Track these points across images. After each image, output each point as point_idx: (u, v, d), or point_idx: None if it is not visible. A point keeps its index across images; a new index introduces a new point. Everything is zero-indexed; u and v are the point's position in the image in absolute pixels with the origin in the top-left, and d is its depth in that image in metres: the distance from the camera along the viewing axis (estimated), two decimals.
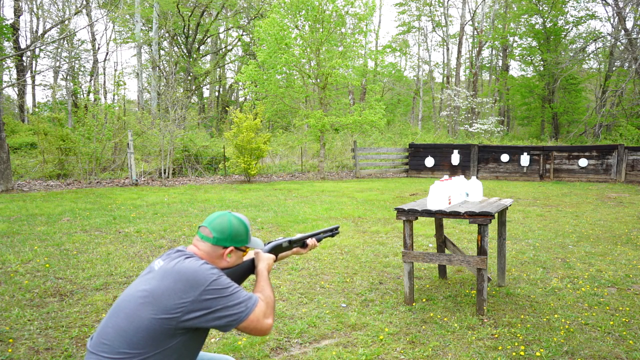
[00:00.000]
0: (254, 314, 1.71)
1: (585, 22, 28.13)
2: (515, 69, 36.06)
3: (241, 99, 34.47)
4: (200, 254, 1.85)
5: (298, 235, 2.27)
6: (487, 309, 4.08)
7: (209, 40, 32.03)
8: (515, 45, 31.21)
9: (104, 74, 31.02)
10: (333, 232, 2.43)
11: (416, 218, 4.20)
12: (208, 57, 33.17)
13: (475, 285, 4.14)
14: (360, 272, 5.31)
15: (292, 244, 2.21)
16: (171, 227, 7.73)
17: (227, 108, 21.84)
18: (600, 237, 7.26)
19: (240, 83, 27.78)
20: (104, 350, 1.64)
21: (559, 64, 26.19)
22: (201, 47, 30.96)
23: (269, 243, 2.15)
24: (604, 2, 26.29)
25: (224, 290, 1.69)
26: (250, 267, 2.01)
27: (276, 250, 2.15)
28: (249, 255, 2.10)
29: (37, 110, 24.65)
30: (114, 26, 29.35)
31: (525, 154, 17.22)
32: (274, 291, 1.89)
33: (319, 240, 2.34)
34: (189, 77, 28.42)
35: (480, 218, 3.93)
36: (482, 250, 4.00)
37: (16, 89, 22.97)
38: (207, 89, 35.00)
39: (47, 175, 15.24)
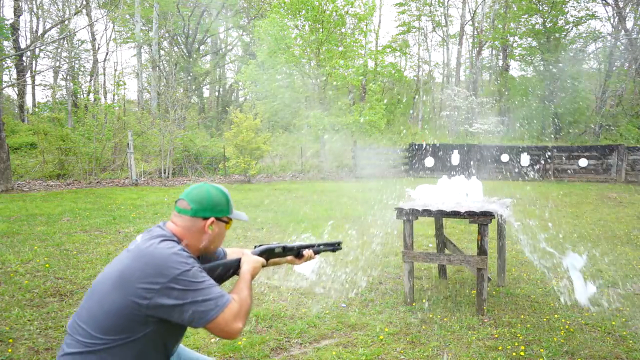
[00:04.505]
0: (223, 315, 1.55)
1: (585, 22, 28.10)
2: (515, 69, 35.98)
3: (241, 99, 34.48)
4: (179, 230, 1.71)
5: (295, 243, 2.09)
6: (487, 309, 4.08)
7: (209, 40, 32.03)
8: (515, 45, 31.19)
9: (104, 74, 30.98)
10: (335, 247, 2.21)
11: (416, 218, 4.20)
12: (208, 57, 33.16)
13: (475, 285, 4.13)
14: (360, 272, 5.31)
15: (286, 250, 2.03)
16: None
17: (227, 108, 21.85)
18: (600, 237, 7.26)
19: (240, 83, 27.78)
20: (79, 334, 1.57)
21: (559, 64, 26.18)
22: (201, 47, 30.96)
23: (260, 245, 1.99)
24: (604, 2, 26.29)
25: (194, 284, 1.54)
26: (235, 266, 1.84)
27: (267, 254, 1.96)
28: (237, 254, 1.97)
29: (37, 110, 24.65)
30: (114, 26, 29.32)
31: (525, 154, 17.22)
32: (252, 296, 1.72)
33: (316, 253, 2.13)
34: (189, 77, 28.42)
35: (480, 218, 3.93)
36: (482, 250, 4.00)
37: (16, 89, 22.96)
38: (207, 89, 34.99)
39: (47, 175, 15.24)
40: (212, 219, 1.73)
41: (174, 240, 1.66)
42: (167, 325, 1.59)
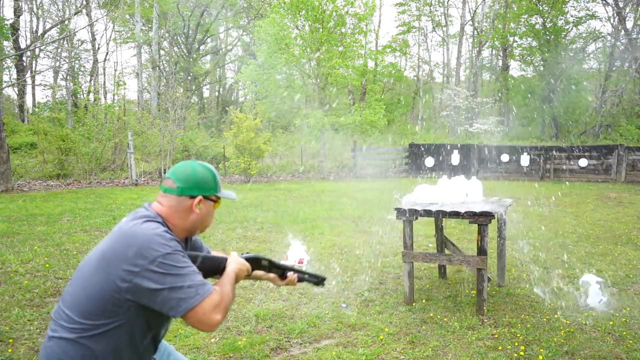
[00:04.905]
0: (202, 305, 1.46)
1: (585, 22, 28.09)
2: (515, 69, 35.97)
3: (241, 99, 34.48)
4: (165, 210, 1.64)
5: (282, 263, 1.98)
6: (487, 309, 4.08)
7: (209, 40, 32.04)
8: (515, 45, 31.19)
9: (104, 74, 31.01)
10: (319, 280, 2.07)
11: (416, 218, 4.20)
12: (208, 57, 33.17)
13: (475, 285, 4.13)
14: (360, 272, 5.31)
15: (271, 266, 1.91)
16: None
17: (227, 108, 21.85)
18: (600, 237, 7.26)
19: (240, 83, 27.79)
20: (63, 319, 1.53)
21: (559, 64, 26.19)
22: (201, 47, 30.97)
23: (247, 253, 1.89)
24: (604, 2, 26.29)
25: (175, 268, 1.46)
26: (221, 265, 1.74)
27: (253, 262, 1.84)
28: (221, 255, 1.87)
29: (37, 110, 24.66)
30: (114, 26, 29.34)
31: (525, 154, 17.22)
32: (234, 294, 1.63)
33: (300, 280, 2.01)
34: (189, 77, 28.42)
35: (480, 218, 3.93)
36: (482, 250, 4.00)
37: (16, 89, 22.97)
38: (207, 89, 35.00)
39: (47, 175, 15.24)
40: (199, 197, 1.66)
41: (158, 222, 1.58)
42: (150, 311, 1.52)
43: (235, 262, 1.73)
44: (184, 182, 1.64)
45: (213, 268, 1.73)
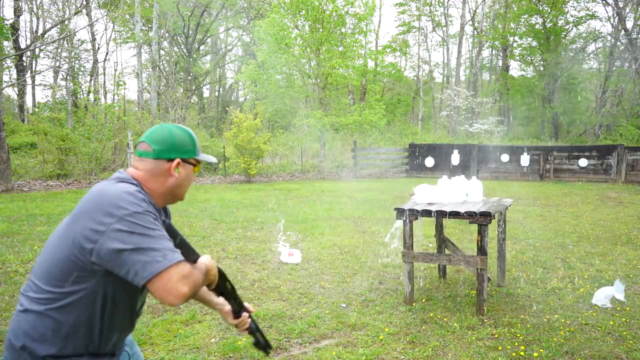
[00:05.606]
0: (169, 271, 1.31)
1: (585, 22, 28.13)
2: (515, 69, 35.99)
3: (241, 99, 34.49)
4: (141, 174, 1.54)
5: (244, 302, 1.77)
6: (487, 309, 4.08)
7: (209, 40, 32.04)
8: (515, 45, 31.21)
9: (104, 74, 31.00)
10: (265, 346, 1.86)
11: (416, 218, 4.20)
12: (208, 57, 33.17)
13: (475, 285, 4.14)
14: (360, 272, 5.32)
15: (232, 293, 1.66)
16: None
17: (227, 108, 21.85)
18: (600, 237, 7.26)
19: (240, 83, 27.79)
20: (31, 290, 1.45)
21: (559, 64, 26.21)
22: (201, 47, 30.97)
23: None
24: (604, 2, 26.30)
25: (143, 228, 1.34)
26: (194, 256, 1.53)
27: (220, 275, 1.59)
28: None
29: (37, 110, 24.65)
30: (114, 26, 29.34)
31: (525, 154, 17.22)
32: (203, 284, 1.46)
33: (250, 331, 1.81)
34: (189, 77, 28.42)
35: (480, 218, 3.93)
36: (482, 250, 4.00)
37: (16, 89, 22.96)
38: (207, 89, 35.01)
39: (47, 175, 15.24)
40: (177, 160, 1.56)
41: (132, 183, 1.49)
42: (120, 279, 1.40)
43: (209, 260, 1.55)
44: (160, 145, 1.55)
45: (186, 254, 1.53)
